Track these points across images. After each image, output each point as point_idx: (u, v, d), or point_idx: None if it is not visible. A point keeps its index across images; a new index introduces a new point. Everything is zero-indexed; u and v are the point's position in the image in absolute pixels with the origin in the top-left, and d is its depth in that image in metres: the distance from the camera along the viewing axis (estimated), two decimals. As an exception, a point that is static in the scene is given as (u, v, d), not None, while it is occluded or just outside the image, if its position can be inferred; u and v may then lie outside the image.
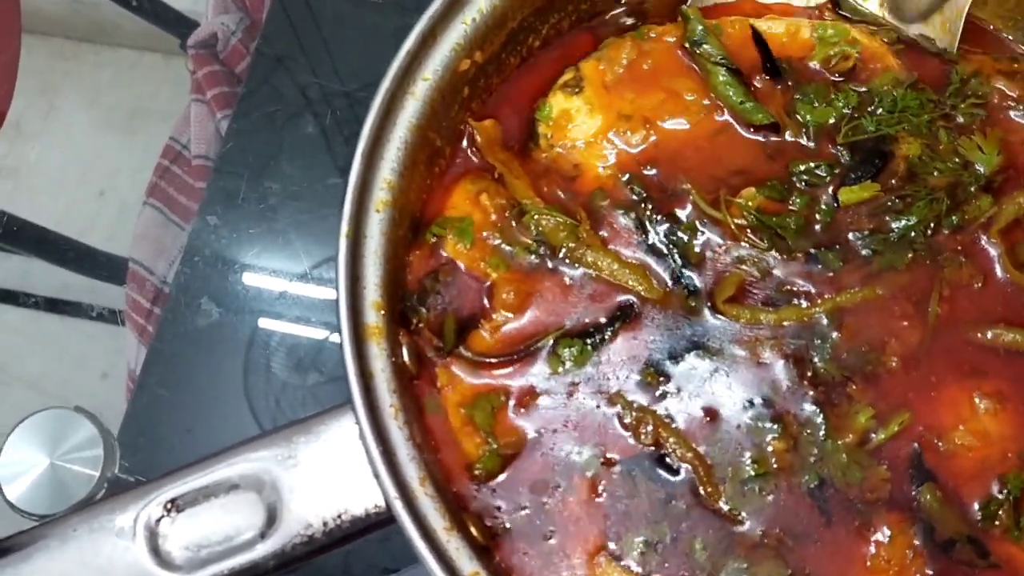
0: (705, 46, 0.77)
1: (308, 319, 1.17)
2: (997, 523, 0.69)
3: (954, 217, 0.77)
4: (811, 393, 0.73)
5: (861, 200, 0.76)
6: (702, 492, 0.71)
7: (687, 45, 0.79)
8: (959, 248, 0.77)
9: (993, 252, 0.77)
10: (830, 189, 0.77)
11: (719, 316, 0.75)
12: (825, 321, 0.74)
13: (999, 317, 0.75)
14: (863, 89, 0.80)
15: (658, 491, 0.71)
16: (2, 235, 1.51)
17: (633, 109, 0.78)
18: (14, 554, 0.60)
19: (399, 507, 0.63)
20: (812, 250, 0.76)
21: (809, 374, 0.73)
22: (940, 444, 0.72)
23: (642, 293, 0.75)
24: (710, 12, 0.82)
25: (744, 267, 0.75)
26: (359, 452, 0.65)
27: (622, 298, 0.76)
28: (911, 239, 0.76)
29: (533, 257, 0.76)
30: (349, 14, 1.28)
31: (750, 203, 0.75)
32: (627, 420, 0.72)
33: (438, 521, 0.64)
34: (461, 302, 0.75)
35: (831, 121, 0.78)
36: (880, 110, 0.78)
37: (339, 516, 0.64)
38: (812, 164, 0.77)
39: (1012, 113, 0.80)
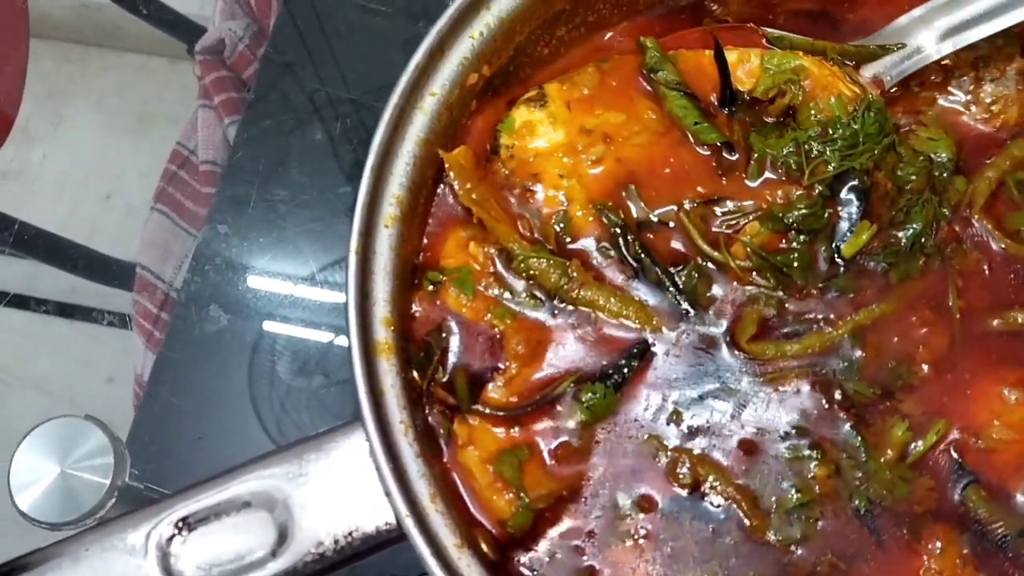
0: (661, 72, 0.79)
1: (314, 322, 1.18)
2: None
3: (944, 209, 0.77)
4: (843, 416, 0.73)
5: (863, 245, 0.76)
6: (748, 525, 0.70)
7: (645, 71, 0.80)
8: (960, 237, 0.77)
9: (985, 231, 0.77)
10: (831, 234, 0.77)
11: (741, 354, 0.74)
12: (848, 342, 0.74)
13: (1012, 300, 0.76)
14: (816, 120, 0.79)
15: (703, 530, 0.70)
16: (12, 242, 1.52)
17: (594, 125, 0.79)
18: (27, 573, 0.60)
19: (410, 524, 0.63)
20: (822, 284, 0.76)
21: (839, 397, 0.73)
22: (979, 443, 0.72)
23: (647, 329, 0.75)
24: (669, 43, 0.83)
25: (758, 306, 0.75)
26: (369, 469, 0.65)
27: (634, 336, 0.75)
28: (921, 244, 0.76)
29: (535, 303, 0.75)
30: (357, 21, 1.28)
31: (754, 239, 0.75)
32: (662, 461, 0.72)
33: (449, 538, 0.64)
34: (470, 357, 0.75)
35: (785, 151, 0.77)
36: (838, 143, 0.77)
37: (350, 533, 0.64)
38: (803, 210, 0.76)
39: (941, 101, 0.83)
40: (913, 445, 0.71)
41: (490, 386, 0.74)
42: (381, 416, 0.66)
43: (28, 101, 1.44)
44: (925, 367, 0.73)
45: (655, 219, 0.76)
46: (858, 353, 0.74)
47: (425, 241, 0.78)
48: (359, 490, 0.65)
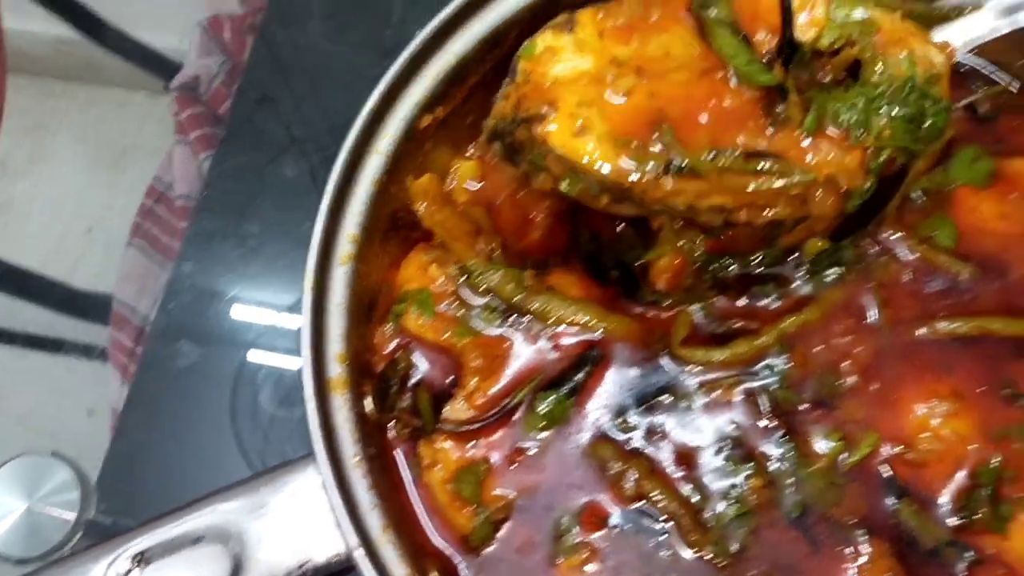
0: (713, 9, 0.71)
1: (294, 351, 1.19)
2: (976, 518, 0.71)
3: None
4: (776, 425, 0.75)
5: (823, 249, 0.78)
6: (687, 539, 0.72)
7: (695, 6, 0.73)
8: (879, 247, 0.79)
9: (899, 241, 0.79)
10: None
11: (676, 359, 0.77)
12: (776, 352, 0.76)
13: (936, 309, 0.78)
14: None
15: (645, 543, 0.73)
16: (-11, 278, 1.53)
17: (627, 56, 0.71)
18: (-16, 609, 0.62)
19: (359, 556, 0.64)
20: (753, 287, 0.78)
21: (769, 408, 0.75)
22: (908, 453, 0.74)
23: (601, 330, 0.77)
24: None
25: (692, 308, 0.77)
26: (323, 501, 0.67)
27: (586, 339, 0.78)
28: (838, 257, 0.78)
29: (493, 316, 0.78)
30: (327, 58, 1.31)
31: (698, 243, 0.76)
32: (610, 473, 0.74)
33: (400, 569, 0.66)
34: (432, 376, 0.77)
35: (848, 108, 0.69)
36: (908, 108, 0.70)
37: (302, 565, 0.65)
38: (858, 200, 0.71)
39: None
40: (844, 456, 0.74)
41: (451, 403, 0.76)
42: (334, 450, 0.68)
43: (8, 136, 1.47)
44: (853, 377, 0.76)
45: (684, 166, 0.67)
46: (786, 362, 0.76)
47: (383, 272, 0.80)
48: (312, 523, 0.67)
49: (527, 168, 0.72)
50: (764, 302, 0.78)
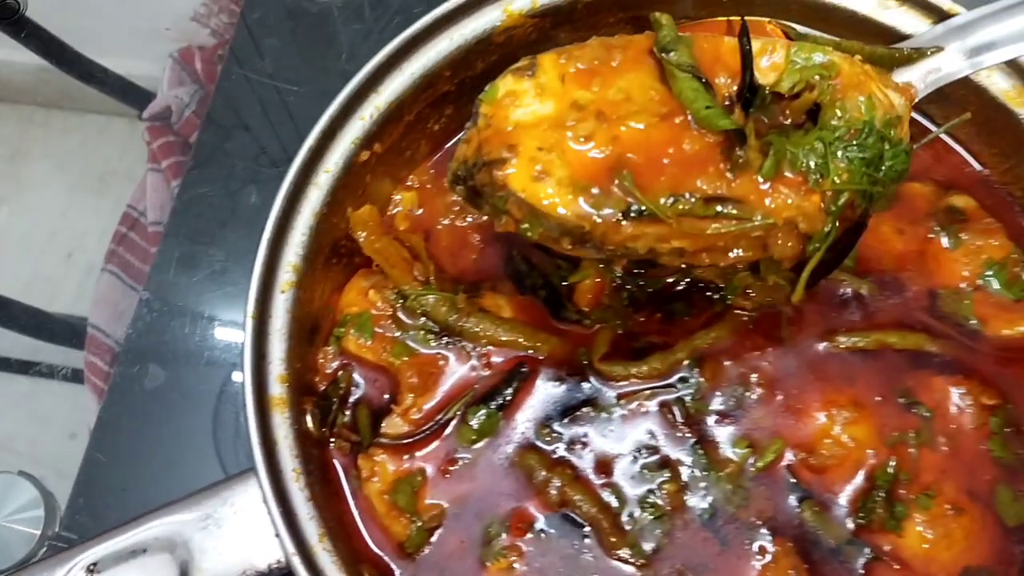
0: (674, 53, 0.71)
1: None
2: (874, 518, 0.77)
3: None
4: (689, 434, 0.81)
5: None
6: (607, 542, 0.78)
7: (656, 50, 0.72)
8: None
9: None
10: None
11: (597, 374, 0.82)
12: (689, 366, 0.82)
13: (837, 325, 0.83)
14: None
15: (568, 547, 0.78)
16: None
17: (588, 101, 0.71)
18: (-54, 617, 0.67)
19: (296, 562, 0.70)
20: (666, 305, 0.83)
21: (683, 418, 0.81)
22: (811, 459, 0.80)
23: (529, 348, 0.83)
24: (684, 29, 0.76)
25: (612, 325, 0.83)
26: (264, 512, 0.72)
27: (514, 356, 0.83)
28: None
29: (428, 337, 0.84)
30: (296, 83, 1.36)
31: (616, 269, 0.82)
32: (536, 481, 0.79)
33: (335, 573, 0.71)
34: (371, 394, 0.83)
35: (806, 151, 0.70)
36: (867, 152, 0.70)
37: (244, 572, 0.71)
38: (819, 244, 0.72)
39: None
40: (752, 462, 0.79)
41: (389, 419, 0.82)
42: (274, 464, 0.73)
43: (-10, 163, 1.51)
44: (760, 388, 0.82)
45: (643, 211, 0.68)
46: (698, 375, 0.82)
47: (326, 297, 0.86)
48: (254, 532, 0.72)
49: (489, 211, 0.73)
50: (678, 319, 0.83)
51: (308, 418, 0.79)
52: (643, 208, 0.68)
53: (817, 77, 0.71)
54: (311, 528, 0.72)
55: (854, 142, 0.70)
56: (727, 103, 0.71)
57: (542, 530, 0.78)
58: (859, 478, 0.79)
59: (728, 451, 0.80)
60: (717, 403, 0.81)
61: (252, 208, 1.34)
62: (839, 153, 0.69)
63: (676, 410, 0.81)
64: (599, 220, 0.68)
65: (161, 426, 1.21)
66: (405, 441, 0.81)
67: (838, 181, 0.69)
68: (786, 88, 0.72)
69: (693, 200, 0.68)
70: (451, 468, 0.80)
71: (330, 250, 0.85)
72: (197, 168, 1.38)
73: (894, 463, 0.78)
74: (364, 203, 0.88)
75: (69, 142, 2.68)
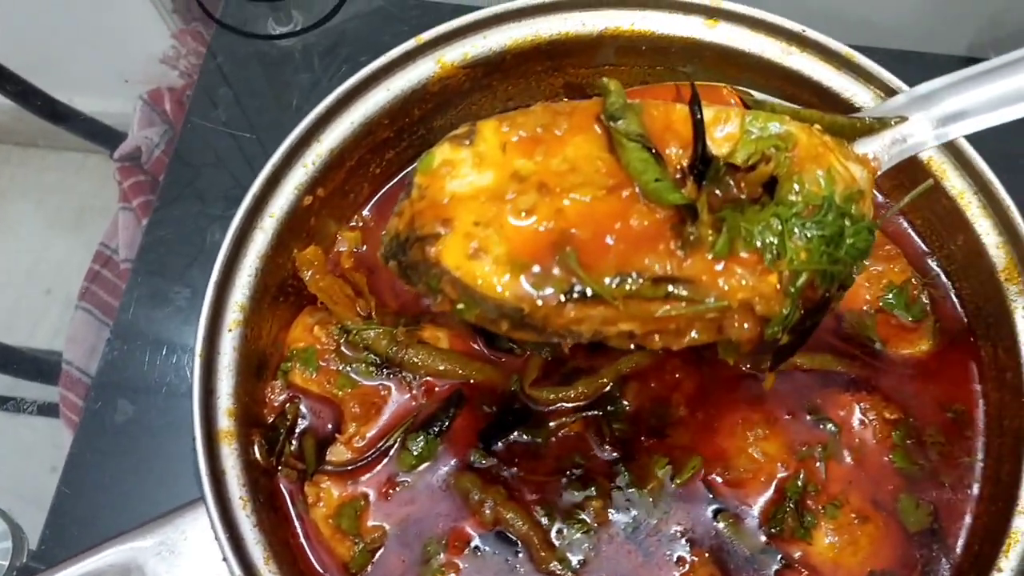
0: (622, 121, 0.67)
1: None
2: (785, 527, 0.83)
3: None
4: (614, 452, 0.86)
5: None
6: (537, 557, 0.83)
7: (604, 118, 0.68)
8: None
9: None
10: None
11: (529, 398, 0.88)
12: (612, 389, 0.88)
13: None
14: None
15: (501, 563, 0.83)
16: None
17: (529, 172, 0.66)
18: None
19: (242, 584, 0.75)
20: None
21: (608, 437, 0.87)
22: (727, 474, 0.85)
23: (465, 376, 0.89)
24: (633, 94, 0.72)
25: (542, 352, 0.89)
26: (214, 538, 0.77)
27: (451, 384, 0.89)
28: None
29: (370, 369, 0.89)
30: (249, 130, 1.43)
31: None
32: (471, 501, 0.85)
33: (280, 594, 0.76)
34: (316, 424, 0.89)
35: (761, 228, 0.65)
36: (825, 229, 0.66)
37: (193, 594, 0.76)
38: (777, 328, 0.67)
39: None
40: (672, 477, 0.85)
41: (333, 447, 0.87)
42: (222, 493, 0.78)
43: (-31, 202, 1.56)
44: (680, 408, 0.87)
45: (587, 292, 0.63)
46: (622, 397, 0.87)
47: (274, 333, 0.91)
48: (206, 558, 0.78)
49: (423, 289, 0.68)
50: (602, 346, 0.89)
51: (256, 448, 0.84)
52: (587, 289, 0.63)
53: (773, 149, 0.67)
54: (258, 552, 0.77)
55: (812, 219, 0.65)
56: (678, 175, 0.67)
57: (477, 547, 0.84)
58: (771, 490, 0.85)
59: (650, 468, 0.85)
60: (641, 423, 0.87)
61: (217, 246, 1.39)
62: (796, 231, 0.65)
63: (602, 430, 0.87)
64: (540, 302, 0.63)
65: (131, 458, 1.25)
66: (349, 468, 0.86)
67: (796, 261, 0.64)
68: (741, 160, 0.68)
69: (641, 280, 0.63)
70: (392, 492, 0.86)
71: (277, 289, 0.91)
72: (164, 207, 1.44)
73: (803, 476, 0.84)
74: (309, 243, 0.93)
75: (46, 180, 2.73)
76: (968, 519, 0.84)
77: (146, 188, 1.63)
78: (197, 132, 1.46)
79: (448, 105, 0.99)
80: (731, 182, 0.68)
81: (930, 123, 0.74)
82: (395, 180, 1.01)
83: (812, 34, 0.91)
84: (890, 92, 0.88)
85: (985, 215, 0.87)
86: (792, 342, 0.69)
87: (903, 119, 0.74)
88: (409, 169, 1.01)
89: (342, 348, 0.90)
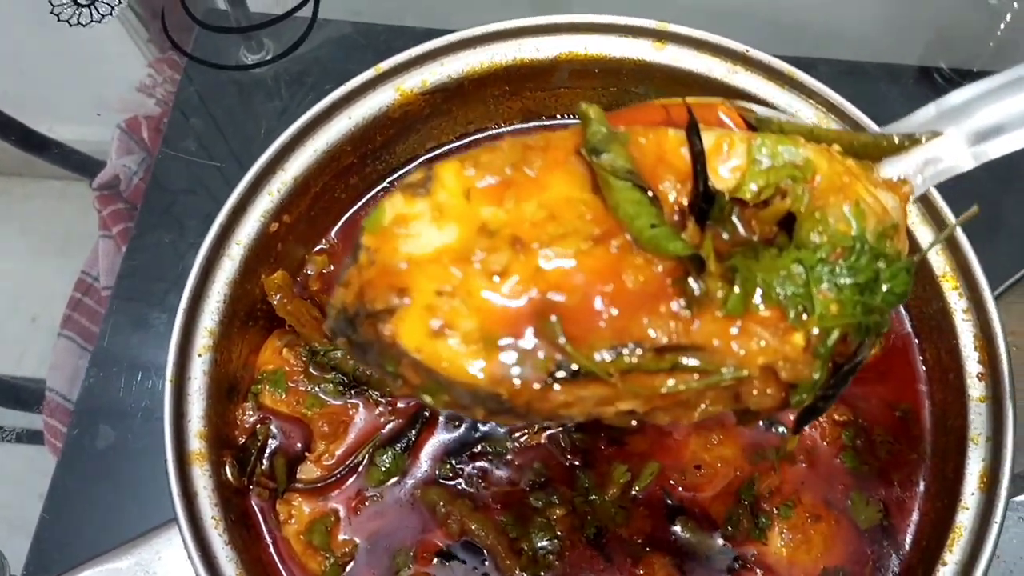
0: (607, 155, 0.55)
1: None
2: (741, 528, 0.86)
3: None
4: (576, 462, 0.89)
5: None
6: (502, 566, 0.86)
7: (584, 151, 0.56)
8: None
9: None
10: None
11: None
12: None
13: None
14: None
15: (469, 572, 0.86)
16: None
17: (500, 224, 0.54)
18: None
19: (215, 600, 0.77)
20: None
21: (570, 448, 0.90)
22: (684, 479, 0.88)
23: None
24: (618, 119, 0.59)
25: None
26: (186, 557, 0.80)
27: (416, 401, 0.92)
28: None
29: (338, 388, 0.92)
30: (218, 159, 1.46)
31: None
32: (438, 513, 0.87)
33: (253, 608, 0.79)
34: (287, 443, 0.91)
35: (780, 291, 0.54)
36: (859, 276, 0.54)
37: (169, 613, 0.78)
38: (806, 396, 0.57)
39: None
40: (631, 484, 0.88)
41: (303, 466, 0.90)
42: (194, 513, 0.81)
43: (-50, 235, 1.58)
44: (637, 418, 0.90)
45: (577, 370, 0.52)
46: None
47: (244, 356, 0.94)
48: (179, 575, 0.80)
49: (378, 373, 0.56)
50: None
51: (227, 469, 0.87)
52: (576, 366, 0.51)
53: (789, 180, 0.56)
54: (230, 570, 0.80)
55: (842, 263, 0.54)
56: (677, 216, 0.55)
57: (445, 558, 0.87)
58: (726, 493, 0.88)
59: (610, 475, 0.88)
60: (600, 433, 0.90)
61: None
62: (824, 279, 0.54)
63: (563, 442, 0.90)
64: (519, 384, 0.51)
65: (111, 482, 1.28)
66: (319, 485, 0.89)
67: (826, 317, 0.54)
68: (751, 195, 0.56)
69: (641, 351, 0.52)
70: (362, 507, 0.89)
71: (247, 313, 0.94)
72: (141, 234, 1.47)
73: (757, 478, 0.87)
74: (277, 268, 0.96)
75: (29, 208, 2.75)
76: (916, 515, 0.87)
77: (125, 216, 1.66)
78: (173, 159, 1.50)
79: (410, 130, 1.02)
80: (739, 222, 0.57)
81: (965, 139, 0.60)
82: (360, 203, 1.04)
83: (755, 53, 0.95)
84: (831, 107, 0.92)
85: (923, 222, 0.91)
86: (819, 403, 0.57)
87: (936, 134, 0.60)
88: (377, 190, 1.04)
89: (310, 369, 0.93)
